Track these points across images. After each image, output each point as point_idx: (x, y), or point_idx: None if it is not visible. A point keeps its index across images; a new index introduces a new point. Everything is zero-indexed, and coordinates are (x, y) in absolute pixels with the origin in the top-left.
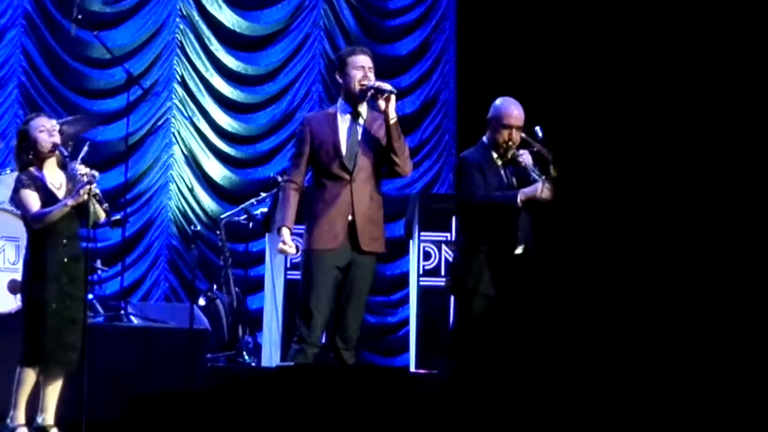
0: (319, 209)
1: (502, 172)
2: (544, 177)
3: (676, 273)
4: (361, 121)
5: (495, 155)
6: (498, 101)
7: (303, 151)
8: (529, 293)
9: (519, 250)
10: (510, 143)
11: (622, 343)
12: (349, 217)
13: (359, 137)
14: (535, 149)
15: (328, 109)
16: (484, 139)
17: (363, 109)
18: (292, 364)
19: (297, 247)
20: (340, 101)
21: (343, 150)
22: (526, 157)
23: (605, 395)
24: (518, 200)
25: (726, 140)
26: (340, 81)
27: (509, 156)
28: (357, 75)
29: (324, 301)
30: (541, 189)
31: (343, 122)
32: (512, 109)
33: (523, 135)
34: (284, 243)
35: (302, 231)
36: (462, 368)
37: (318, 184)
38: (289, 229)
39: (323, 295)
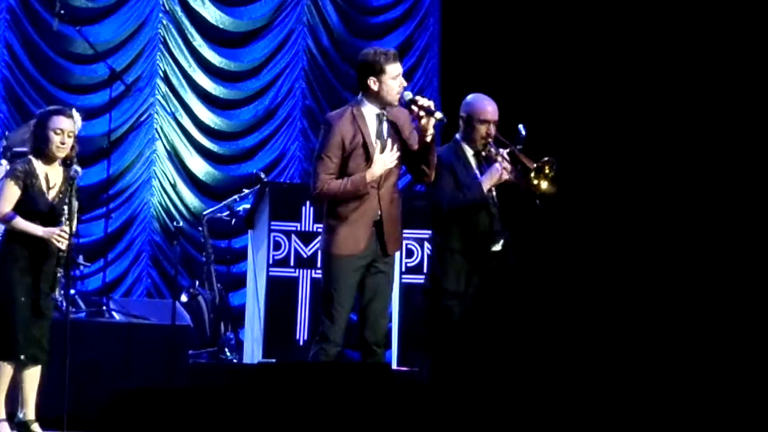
0: (343, 212)
1: (475, 168)
2: (501, 159)
3: (653, 272)
4: (385, 123)
5: (469, 153)
6: (470, 97)
7: (336, 154)
8: (506, 290)
9: (497, 247)
10: (489, 138)
11: (601, 338)
12: (376, 218)
13: (388, 142)
14: (509, 150)
15: (347, 107)
16: (458, 136)
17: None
18: (274, 360)
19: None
20: (364, 101)
21: (375, 153)
22: (503, 153)
23: (584, 388)
24: (484, 190)
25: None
26: (374, 87)
27: (486, 152)
28: (395, 86)
29: (348, 301)
30: (500, 171)
31: (371, 123)
32: (487, 104)
33: (500, 136)
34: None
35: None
36: (439, 368)
37: None
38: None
39: (347, 296)
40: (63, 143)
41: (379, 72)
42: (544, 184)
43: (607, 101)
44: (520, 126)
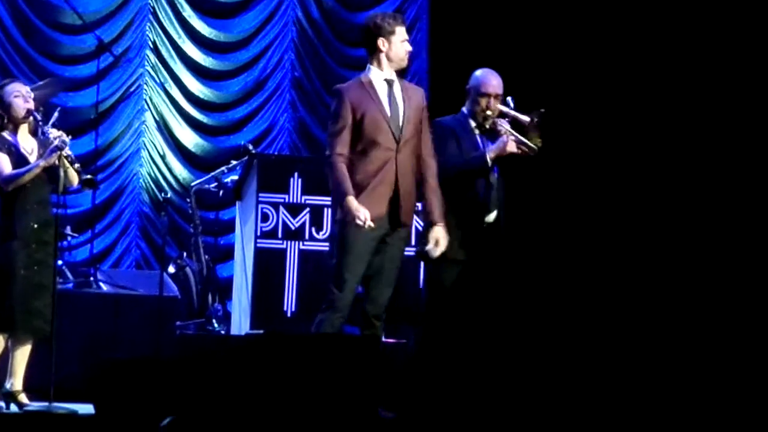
0: (362, 179)
1: (479, 140)
2: (509, 132)
3: (641, 249)
4: (396, 88)
5: (473, 124)
6: (477, 72)
7: (346, 123)
8: (496, 261)
9: (490, 218)
10: (488, 112)
11: (590, 312)
12: (392, 186)
13: (401, 106)
14: (509, 119)
15: (357, 78)
16: (464, 108)
17: (394, 75)
18: (262, 332)
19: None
20: (373, 69)
21: (389, 118)
22: (505, 125)
23: (573, 361)
24: (488, 158)
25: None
26: (383, 47)
27: (488, 125)
28: (402, 48)
29: (358, 270)
30: (506, 143)
31: (381, 90)
32: (490, 78)
33: (501, 106)
34: (357, 210)
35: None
36: (431, 336)
37: (360, 153)
38: (355, 197)
39: (359, 264)
40: (26, 101)
41: (389, 33)
42: (538, 141)
43: (602, 77)
44: (509, 98)
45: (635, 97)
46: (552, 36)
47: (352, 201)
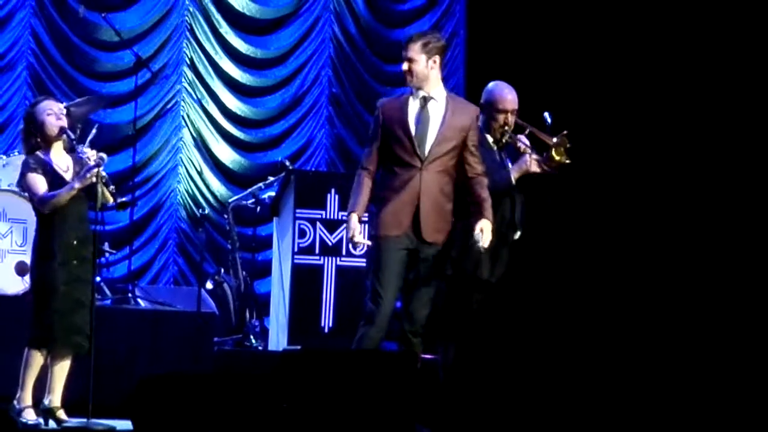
0: (387, 195)
1: (497, 155)
2: (530, 151)
3: (660, 261)
4: (433, 105)
5: (490, 139)
6: (490, 85)
7: (376, 136)
8: (522, 278)
9: (517, 236)
10: (506, 128)
11: (614, 327)
12: (414, 205)
13: (433, 124)
14: (527, 132)
15: (402, 93)
16: (479, 123)
17: (438, 93)
18: (299, 348)
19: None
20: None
21: (414, 135)
22: (524, 140)
23: (597, 373)
24: (512, 179)
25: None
26: (432, 66)
27: (504, 140)
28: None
29: (391, 282)
30: (529, 162)
31: (413, 107)
32: (506, 94)
33: (517, 119)
34: (353, 229)
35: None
36: (463, 353)
37: (388, 169)
38: (359, 216)
39: (391, 276)
40: (59, 118)
41: (443, 52)
42: (563, 158)
43: (636, 91)
44: (546, 114)
45: (670, 111)
46: (590, 52)
47: (353, 218)
